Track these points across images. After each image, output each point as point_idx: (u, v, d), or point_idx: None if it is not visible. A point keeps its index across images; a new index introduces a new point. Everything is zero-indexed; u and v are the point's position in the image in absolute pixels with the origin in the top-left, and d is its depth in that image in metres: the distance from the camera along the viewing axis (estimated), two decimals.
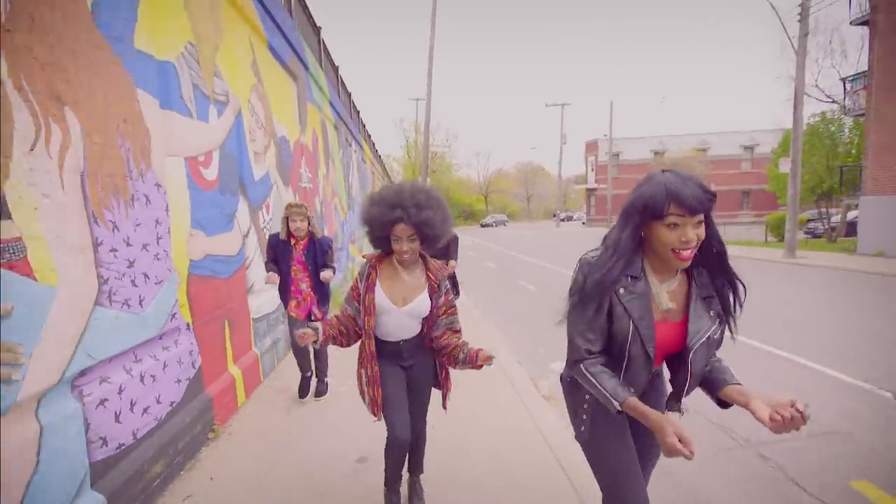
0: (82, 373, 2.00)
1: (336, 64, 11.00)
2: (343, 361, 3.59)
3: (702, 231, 1.27)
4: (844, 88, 15.17)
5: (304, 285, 3.45)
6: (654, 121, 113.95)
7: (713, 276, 1.36)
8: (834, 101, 18.44)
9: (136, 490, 2.22)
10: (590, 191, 43.55)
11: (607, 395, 1.30)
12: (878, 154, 12.84)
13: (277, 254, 3.40)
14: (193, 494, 2.46)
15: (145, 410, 2.40)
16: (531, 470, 2.64)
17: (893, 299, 7.59)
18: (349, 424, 3.20)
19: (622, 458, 1.42)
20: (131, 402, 2.29)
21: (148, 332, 2.47)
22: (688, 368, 1.33)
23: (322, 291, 3.52)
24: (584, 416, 1.46)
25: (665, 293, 1.35)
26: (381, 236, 1.95)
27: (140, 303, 2.39)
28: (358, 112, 15.71)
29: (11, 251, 1.65)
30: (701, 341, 1.33)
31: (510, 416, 3.37)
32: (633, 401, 1.28)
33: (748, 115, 52.29)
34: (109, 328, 2.15)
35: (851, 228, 15.94)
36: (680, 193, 1.22)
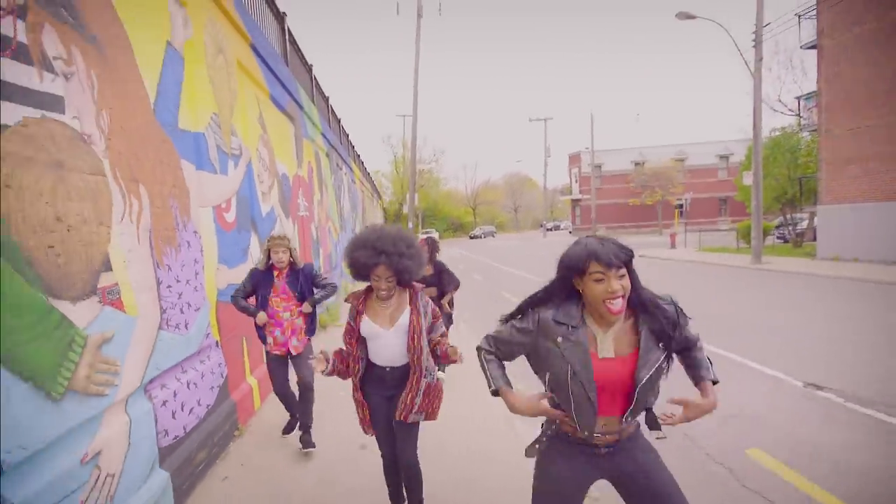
0: (151, 381, 2.67)
1: (326, 95, 11.78)
2: None
3: (626, 282, 1.43)
4: (799, 106, 16.35)
5: (288, 314, 3.35)
6: (635, 132, 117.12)
7: (651, 317, 1.48)
8: (798, 115, 19.72)
9: (187, 471, 2.87)
10: (574, 201, 44.75)
11: (489, 377, 1.60)
12: (830, 167, 13.92)
13: (257, 286, 3.31)
14: (229, 476, 3.11)
15: (191, 411, 3.06)
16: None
17: (838, 300, 8.45)
18: (348, 427, 3.87)
19: (554, 490, 1.59)
20: (182, 404, 2.96)
21: (191, 349, 3.14)
22: (634, 398, 1.46)
23: (310, 318, 3.48)
24: (543, 440, 1.61)
25: (609, 341, 1.48)
26: (363, 274, 2.16)
27: (186, 326, 3.07)
28: (347, 135, 16.48)
29: (112, 293, 2.34)
30: (649, 374, 1.44)
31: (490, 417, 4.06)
32: (505, 391, 1.54)
33: (724, 126, 54.06)
34: (167, 347, 2.83)
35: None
36: (598, 251, 1.41)
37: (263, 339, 3.43)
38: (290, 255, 3.36)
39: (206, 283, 3.42)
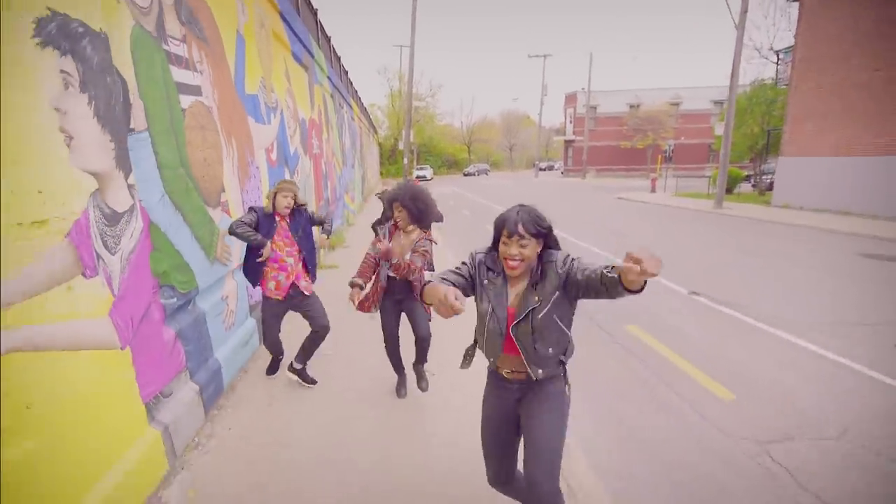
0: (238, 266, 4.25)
1: (329, 36, 12.48)
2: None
3: (528, 251, 1.65)
4: (778, 59, 17.10)
5: (292, 259, 3.35)
6: (632, 75, 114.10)
7: (544, 278, 1.70)
8: (776, 67, 20.37)
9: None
10: (567, 142, 45.25)
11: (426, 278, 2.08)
12: (794, 122, 15.09)
13: (259, 227, 3.24)
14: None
15: None
16: None
17: (755, 237, 10.14)
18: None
19: (489, 425, 1.93)
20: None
21: None
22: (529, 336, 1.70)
23: (312, 261, 3.49)
24: (470, 353, 1.99)
25: (513, 294, 1.75)
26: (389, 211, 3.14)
27: None
28: (346, 72, 17.09)
29: (225, 206, 3.83)
30: (522, 316, 1.69)
31: None
32: (432, 285, 1.58)
33: (721, 71, 53.45)
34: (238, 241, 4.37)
35: None
36: (507, 220, 1.66)
37: (255, 283, 3.37)
38: (295, 199, 3.32)
39: (262, 201, 4.90)
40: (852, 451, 2.87)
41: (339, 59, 14.81)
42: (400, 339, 3.40)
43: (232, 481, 2.58)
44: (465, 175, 49.15)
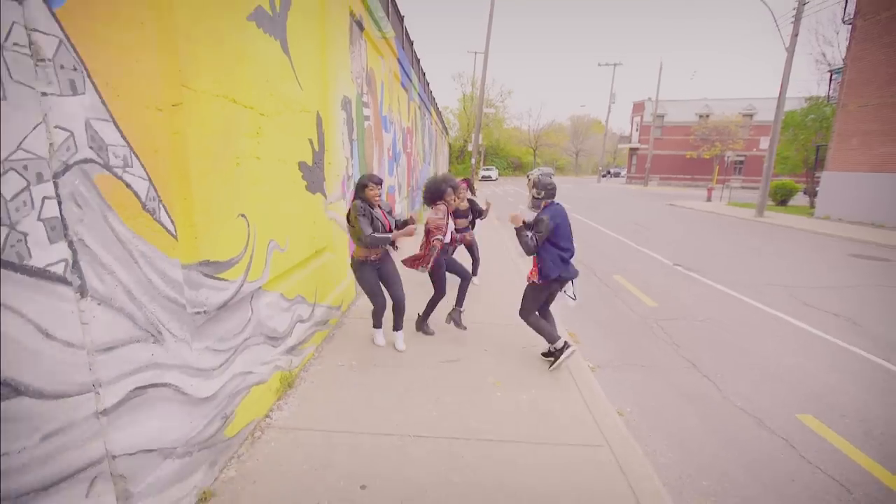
0: None
1: (419, 58, 15.67)
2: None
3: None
4: (830, 78, 17.86)
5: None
6: (701, 86, 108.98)
7: None
8: (828, 87, 20.72)
9: None
10: (632, 150, 45.85)
11: (381, 237, 3.60)
12: (839, 139, 16.06)
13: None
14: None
15: None
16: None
17: (768, 240, 11.81)
18: None
19: (372, 283, 3.83)
20: None
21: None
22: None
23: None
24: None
25: None
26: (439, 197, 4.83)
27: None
28: (428, 84, 20.32)
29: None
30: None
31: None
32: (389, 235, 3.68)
33: (798, 82, 50.78)
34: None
35: None
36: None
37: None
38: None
39: (385, 181, 7.98)
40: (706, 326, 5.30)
41: (423, 73, 18.02)
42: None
43: None
44: (529, 178, 50.98)
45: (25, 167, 1.36)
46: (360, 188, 3.75)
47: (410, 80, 11.64)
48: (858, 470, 2.81)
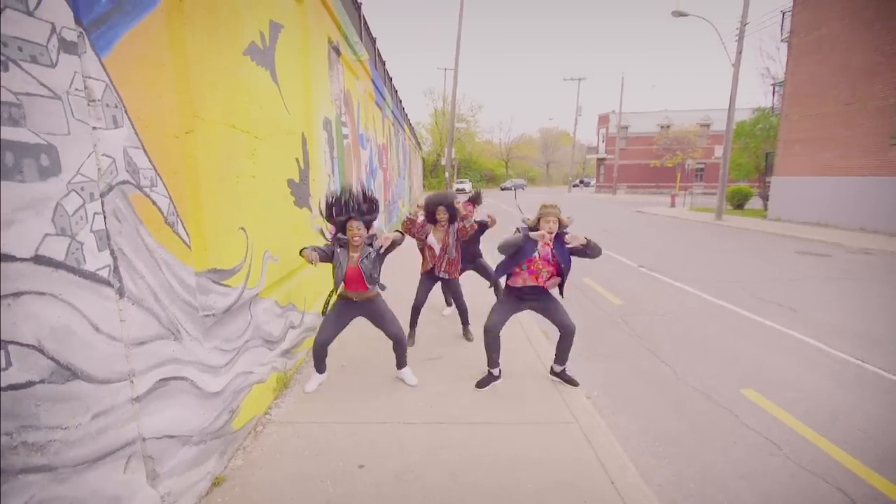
0: None
1: (391, 76, 16.15)
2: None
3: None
4: (773, 90, 19.34)
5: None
6: (662, 97, 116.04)
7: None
8: (771, 98, 22.37)
9: None
10: (600, 160, 47.56)
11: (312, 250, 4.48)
12: (785, 146, 17.33)
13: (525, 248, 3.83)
14: None
15: None
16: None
17: (723, 240, 12.64)
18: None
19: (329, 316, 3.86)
20: None
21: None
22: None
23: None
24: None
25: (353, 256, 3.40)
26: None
27: None
28: (401, 101, 20.83)
29: None
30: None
31: None
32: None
33: (745, 94, 54.22)
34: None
35: None
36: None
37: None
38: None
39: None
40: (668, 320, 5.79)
41: (396, 91, 18.51)
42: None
43: None
44: (503, 189, 52.25)
45: (82, 188, 1.64)
46: (341, 226, 3.40)
47: (384, 99, 12.06)
48: (788, 430, 3.27)
